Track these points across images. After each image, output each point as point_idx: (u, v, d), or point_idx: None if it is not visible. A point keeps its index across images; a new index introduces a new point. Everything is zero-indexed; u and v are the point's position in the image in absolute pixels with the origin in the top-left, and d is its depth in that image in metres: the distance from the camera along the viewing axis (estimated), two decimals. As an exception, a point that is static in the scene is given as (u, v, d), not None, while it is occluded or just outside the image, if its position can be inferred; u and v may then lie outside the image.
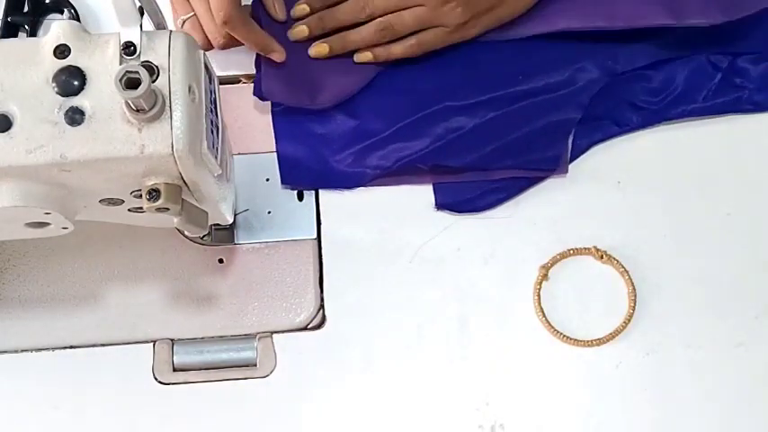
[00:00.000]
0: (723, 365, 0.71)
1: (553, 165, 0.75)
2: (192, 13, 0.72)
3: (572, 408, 0.70)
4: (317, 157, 0.76)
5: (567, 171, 0.75)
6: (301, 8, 0.76)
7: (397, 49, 0.77)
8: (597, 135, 0.77)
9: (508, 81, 0.77)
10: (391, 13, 0.75)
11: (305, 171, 0.76)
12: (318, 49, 0.76)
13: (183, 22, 0.72)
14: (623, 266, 0.73)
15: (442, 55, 0.77)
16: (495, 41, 0.78)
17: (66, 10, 0.80)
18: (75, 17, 0.79)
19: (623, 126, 0.77)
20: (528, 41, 0.77)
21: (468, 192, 0.75)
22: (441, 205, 0.75)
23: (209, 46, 0.73)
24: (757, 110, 0.78)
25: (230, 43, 0.73)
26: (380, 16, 0.75)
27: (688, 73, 0.78)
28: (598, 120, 0.77)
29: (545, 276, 0.73)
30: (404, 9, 0.75)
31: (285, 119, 0.77)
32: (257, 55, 0.76)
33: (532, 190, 0.76)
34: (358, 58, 0.77)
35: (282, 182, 0.76)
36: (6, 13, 0.79)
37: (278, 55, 0.75)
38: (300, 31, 0.76)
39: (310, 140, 0.77)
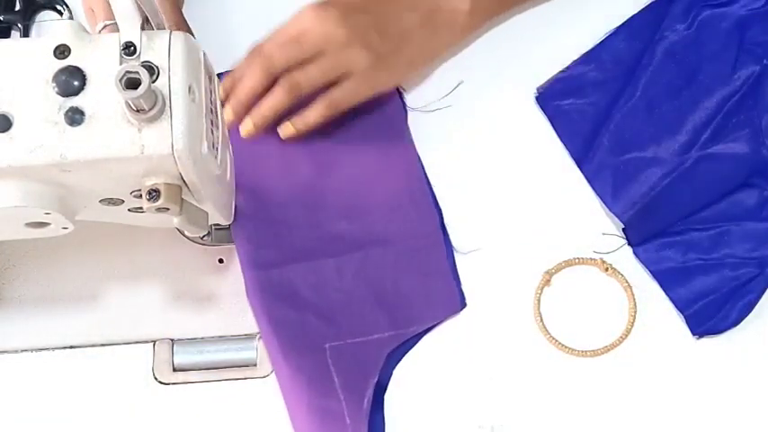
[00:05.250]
0: (723, 366, 0.71)
1: None
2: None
3: (571, 408, 0.70)
4: None
5: None
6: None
7: (311, 116, 0.72)
8: None
9: None
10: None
11: None
12: (245, 130, 0.71)
13: (104, 27, 0.69)
14: (627, 282, 0.72)
15: None
16: None
17: (58, 7, 0.80)
18: (69, 15, 0.79)
19: None
20: None
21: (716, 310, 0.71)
22: (699, 334, 0.71)
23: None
24: None
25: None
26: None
27: None
28: None
29: (548, 282, 0.73)
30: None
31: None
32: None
33: (537, 193, 0.75)
34: (282, 133, 0.73)
35: None
36: (-2, 12, 0.79)
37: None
38: (227, 115, 0.70)
39: None
